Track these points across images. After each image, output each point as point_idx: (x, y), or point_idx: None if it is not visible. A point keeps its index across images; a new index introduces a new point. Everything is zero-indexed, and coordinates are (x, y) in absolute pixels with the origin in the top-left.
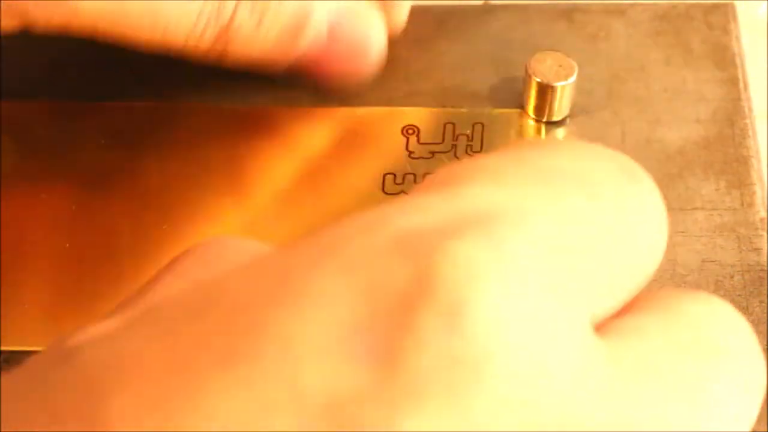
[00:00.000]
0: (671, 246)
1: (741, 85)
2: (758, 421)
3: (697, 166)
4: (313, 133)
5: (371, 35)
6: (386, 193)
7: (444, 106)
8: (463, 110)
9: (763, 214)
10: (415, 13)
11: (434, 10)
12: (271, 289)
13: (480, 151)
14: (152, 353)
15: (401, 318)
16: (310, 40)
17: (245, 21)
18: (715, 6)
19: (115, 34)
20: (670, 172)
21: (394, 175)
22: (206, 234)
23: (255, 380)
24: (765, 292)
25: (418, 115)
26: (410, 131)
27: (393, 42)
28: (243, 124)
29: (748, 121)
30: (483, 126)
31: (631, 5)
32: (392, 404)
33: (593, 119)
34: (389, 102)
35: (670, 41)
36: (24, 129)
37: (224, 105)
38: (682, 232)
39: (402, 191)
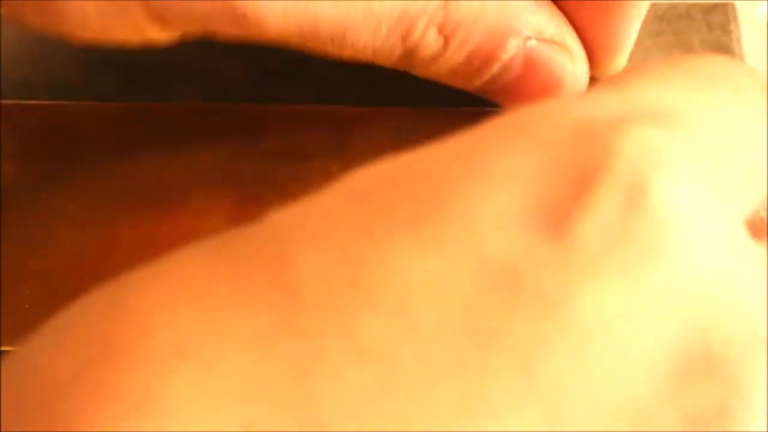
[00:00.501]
0: None
1: None
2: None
3: None
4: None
5: (565, 75)
6: None
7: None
8: (466, 109)
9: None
10: None
11: None
12: (460, 163)
13: None
14: (341, 215)
15: (582, 192)
16: (499, 69)
17: (431, 43)
18: (715, 6)
19: (304, 48)
20: None
21: None
22: (208, 232)
23: (441, 243)
24: None
25: (419, 115)
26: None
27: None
28: (258, 125)
29: None
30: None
31: None
32: (569, 274)
33: None
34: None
35: (670, 41)
36: (24, 129)
37: (233, 104)
38: None
39: None
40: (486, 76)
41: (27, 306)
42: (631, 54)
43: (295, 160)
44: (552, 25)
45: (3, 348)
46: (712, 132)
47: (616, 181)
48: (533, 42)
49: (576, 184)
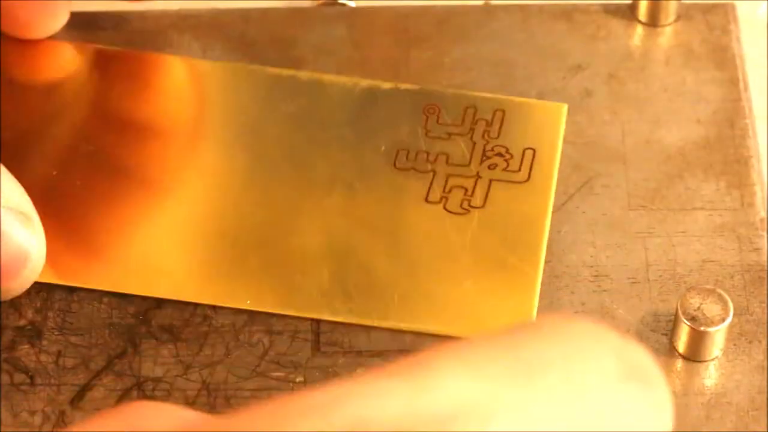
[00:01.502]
0: (671, 246)
1: (741, 85)
2: (758, 421)
3: (697, 166)
4: (331, 102)
5: (31, 252)
6: (397, 168)
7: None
8: (487, 95)
9: (763, 214)
10: (416, 13)
11: (434, 10)
12: None
13: (497, 138)
14: None
15: None
16: None
17: None
18: (715, 6)
19: None
20: (670, 173)
21: (407, 152)
22: (205, 183)
23: None
24: (765, 292)
25: (441, 97)
26: (431, 110)
27: (395, 42)
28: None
29: (748, 121)
30: (504, 113)
31: (631, 6)
32: None
33: (593, 119)
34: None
35: (670, 41)
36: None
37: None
38: (682, 232)
39: (413, 168)
40: None
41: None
42: (632, 54)
43: (308, 125)
44: (15, 192)
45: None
46: None
47: None
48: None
49: None
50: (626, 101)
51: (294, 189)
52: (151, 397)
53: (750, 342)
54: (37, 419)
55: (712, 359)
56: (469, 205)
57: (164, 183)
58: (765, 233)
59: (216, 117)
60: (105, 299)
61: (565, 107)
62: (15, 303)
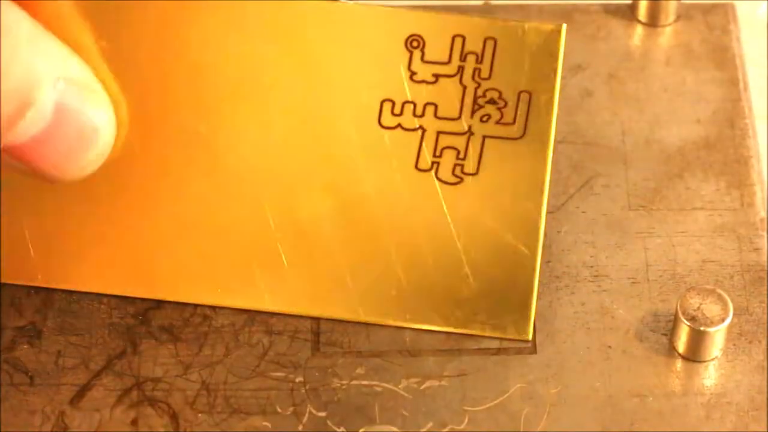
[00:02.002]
0: (671, 246)
1: (741, 85)
2: (758, 421)
3: (697, 166)
4: (311, 34)
5: (99, 126)
6: (383, 127)
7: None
8: (475, 19)
9: (763, 214)
10: None
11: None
12: None
13: (488, 79)
14: None
15: None
16: (32, 117)
17: None
18: (715, 6)
19: None
20: (670, 172)
21: (393, 103)
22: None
23: None
24: (765, 292)
25: (425, 22)
26: (414, 43)
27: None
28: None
29: (748, 121)
30: (495, 42)
31: (631, 6)
32: None
33: (593, 119)
34: None
35: (670, 41)
36: None
37: None
38: (682, 232)
39: (399, 125)
40: (17, 127)
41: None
42: (632, 54)
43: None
44: (75, 65)
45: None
46: None
47: None
48: (62, 85)
49: None
50: (626, 101)
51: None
52: (151, 397)
53: (750, 342)
54: (37, 419)
55: (712, 359)
56: (462, 172)
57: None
58: (765, 233)
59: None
60: (105, 299)
61: (563, 27)
62: (15, 303)
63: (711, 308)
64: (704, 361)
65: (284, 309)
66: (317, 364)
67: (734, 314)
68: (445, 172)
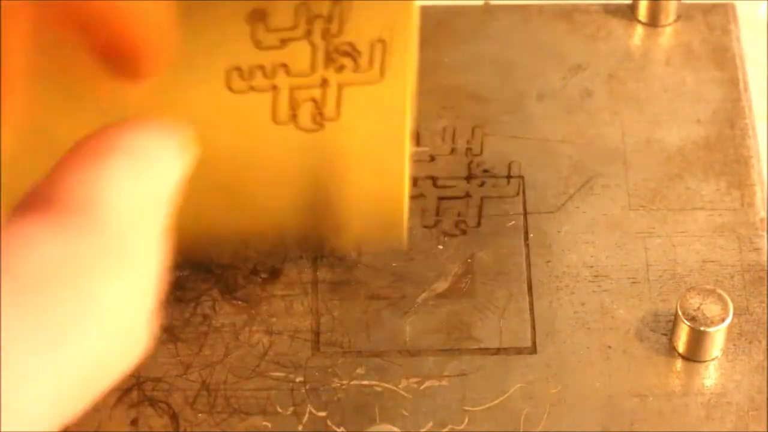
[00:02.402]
0: (671, 246)
1: (741, 85)
2: (758, 421)
3: (697, 166)
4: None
5: None
6: (233, 91)
7: (444, 107)
8: None
9: (763, 214)
10: None
11: (434, 10)
12: None
13: (339, 36)
14: None
15: None
16: None
17: None
18: (715, 6)
19: None
20: (670, 172)
21: (241, 70)
22: None
23: None
24: (765, 292)
25: None
26: (257, 15)
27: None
28: None
29: (748, 121)
30: (341, 7)
31: (631, 6)
32: None
33: (593, 119)
34: None
35: (670, 41)
36: None
37: None
38: (682, 232)
39: (251, 88)
40: None
41: None
42: (631, 54)
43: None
44: None
45: None
46: None
47: None
48: None
49: None
50: (626, 101)
51: None
52: (151, 397)
53: (750, 342)
54: None
55: (712, 359)
56: (322, 119)
57: None
58: (765, 233)
59: None
60: None
61: None
62: None
63: (711, 308)
64: (704, 361)
65: None
66: (317, 364)
67: (734, 314)
68: (305, 121)
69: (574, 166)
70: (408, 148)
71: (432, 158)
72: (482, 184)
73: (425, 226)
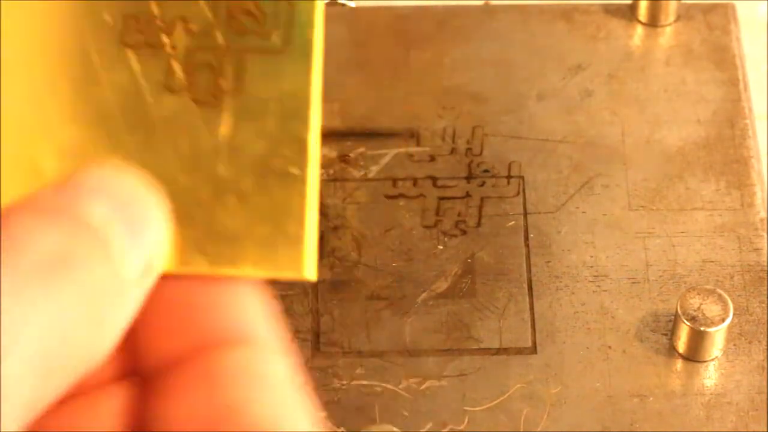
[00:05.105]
0: (671, 246)
1: (741, 85)
2: (758, 421)
3: (697, 166)
4: None
5: None
6: (127, 45)
7: (444, 107)
8: None
9: (763, 214)
10: (416, 13)
11: (434, 10)
12: None
13: None
14: None
15: None
16: None
17: None
18: (715, 6)
19: None
20: (670, 173)
21: (138, 20)
22: None
23: None
24: (765, 292)
25: None
26: None
27: (395, 42)
28: None
29: (748, 121)
30: None
31: (631, 6)
32: None
33: (593, 119)
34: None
35: (670, 41)
36: None
37: None
38: (682, 232)
39: (146, 43)
40: None
41: None
42: (631, 54)
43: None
44: None
45: None
46: None
47: None
48: None
49: None
50: (626, 101)
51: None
52: None
53: (750, 342)
54: None
55: (712, 359)
56: (220, 91)
57: None
58: (765, 233)
59: None
60: None
61: None
62: None
63: (711, 308)
64: (704, 361)
65: None
66: (317, 364)
67: (734, 314)
68: (201, 92)
69: (574, 166)
70: (316, 148)
71: (432, 158)
72: (482, 184)
73: (425, 226)
